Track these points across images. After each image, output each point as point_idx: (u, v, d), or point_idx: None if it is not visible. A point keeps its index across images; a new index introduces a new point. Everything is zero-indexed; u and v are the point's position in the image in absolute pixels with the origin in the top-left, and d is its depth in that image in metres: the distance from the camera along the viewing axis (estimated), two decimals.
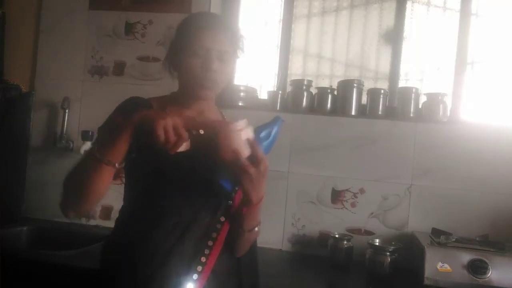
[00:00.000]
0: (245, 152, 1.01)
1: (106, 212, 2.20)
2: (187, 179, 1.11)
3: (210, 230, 1.13)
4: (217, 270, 1.12)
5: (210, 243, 1.12)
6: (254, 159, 1.01)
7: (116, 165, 1.04)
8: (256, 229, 1.16)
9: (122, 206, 1.21)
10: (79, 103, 2.26)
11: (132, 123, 1.01)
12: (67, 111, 2.20)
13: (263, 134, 1.07)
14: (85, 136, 2.11)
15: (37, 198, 2.26)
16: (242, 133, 1.01)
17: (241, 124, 1.01)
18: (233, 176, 1.04)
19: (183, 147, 0.99)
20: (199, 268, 1.09)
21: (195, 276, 1.08)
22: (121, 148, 1.03)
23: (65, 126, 2.21)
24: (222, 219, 1.14)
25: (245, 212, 1.11)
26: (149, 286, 1.05)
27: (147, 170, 1.11)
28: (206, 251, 1.11)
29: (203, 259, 1.10)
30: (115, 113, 1.17)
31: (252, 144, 1.01)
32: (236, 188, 1.12)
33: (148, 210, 1.11)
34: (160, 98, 1.25)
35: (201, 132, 1.18)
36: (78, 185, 1.08)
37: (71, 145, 2.23)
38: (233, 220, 1.15)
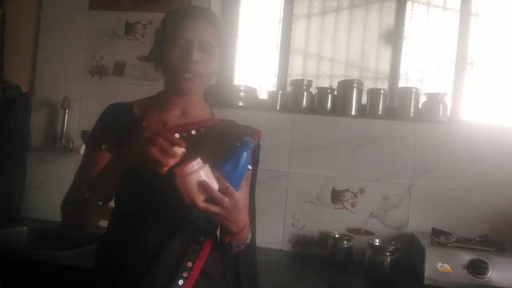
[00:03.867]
0: (199, 196, 0.94)
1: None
2: (171, 184, 1.07)
3: (197, 234, 1.11)
4: (206, 270, 1.10)
5: (196, 247, 1.10)
6: (215, 199, 0.95)
7: (107, 202, 1.07)
8: (247, 240, 1.13)
9: (112, 209, 1.20)
10: (79, 103, 2.26)
11: (118, 167, 1.02)
12: (67, 111, 2.20)
13: (228, 166, 0.99)
14: (85, 136, 2.11)
15: (37, 198, 2.26)
16: (198, 175, 0.94)
17: (193, 165, 0.94)
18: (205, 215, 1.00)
19: (179, 154, 0.95)
20: (185, 273, 1.06)
21: (180, 282, 1.05)
22: (110, 190, 1.06)
23: (65, 126, 2.21)
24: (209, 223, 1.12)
25: (229, 238, 1.09)
26: None
27: (134, 178, 1.09)
28: (192, 256, 1.09)
29: (189, 264, 1.08)
30: (97, 127, 1.19)
31: (204, 187, 0.94)
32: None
33: (135, 214, 1.10)
34: (142, 100, 1.24)
35: (193, 132, 1.16)
36: (72, 215, 1.12)
37: (71, 145, 2.23)
38: (220, 240, 1.12)
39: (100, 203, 1.04)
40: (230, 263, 1.18)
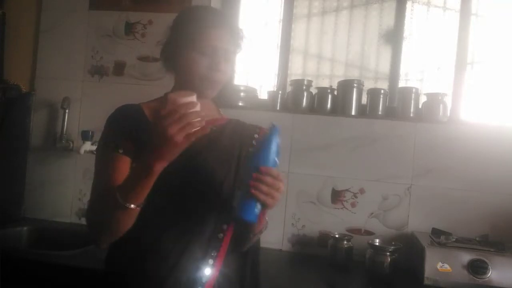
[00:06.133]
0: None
1: None
2: (190, 183, 1.11)
3: (216, 232, 1.12)
4: (225, 272, 1.12)
5: (217, 244, 1.12)
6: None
7: (141, 204, 1.01)
8: (263, 230, 1.17)
9: None
10: (79, 103, 2.26)
11: (159, 166, 0.97)
12: (67, 111, 2.20)
13: (273, 156, 1.02)
14: (85, 136, 2.11)
15: (37, 198, 2.26)
16: None
17: None
18: (262, 207, 1.01)
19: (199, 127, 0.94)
20: (208, 270, 1.09)
21: (203, 279, 1.07)
22: (147, 191, 1.00)
23: (65, 126, 2.21)
24: (228, 219, 1.14)
25: (258, 222, 1.09)
26: None
27: (158, 177, 1.09)
28: (213, 253, 1.11)
29: (210, 261, 1.10)
30: (108, 129, 1.15)
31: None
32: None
33: (156, 216, 1.10)
34: (151, 102, 1.22)
35: (207, 130, 1.17)
36: (102, 224, 1.06)
37: (71, 145, 2.23)
38: (241, 227, 1.13)
39: (133, 206, 0.99)
40: (240, 264, 1.20)
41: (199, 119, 0.93)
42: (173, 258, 1.07)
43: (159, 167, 0.97)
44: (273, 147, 1.02)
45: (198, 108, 0.95)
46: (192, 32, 1.12)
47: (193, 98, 0.96)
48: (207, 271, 1.08)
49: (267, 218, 1.16)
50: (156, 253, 1.08)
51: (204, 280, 1.08)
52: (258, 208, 1.00)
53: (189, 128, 0.92)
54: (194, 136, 0.93)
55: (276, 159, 1.02)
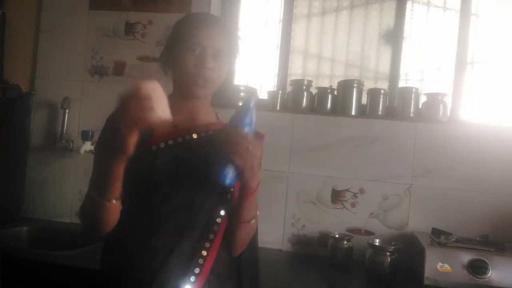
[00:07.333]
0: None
1: None
2: (184, 183, 1.11)
3: (207, 232, 1.13)
4: (217, 270, 1.12)
5: (207, 244, 1.12)
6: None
7: (119, 197, 1.04)
8: (253, 221, 1.16)
9: (120, 210, 1.20)
10: (79, 103, 2.26)
11: (123, 156, 0.98)
12: (67, 111, 2.20)
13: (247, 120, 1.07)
14: (85, 136, 2.11)
15: (37, 198, 2.26)
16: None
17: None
18: (233, 168, 1.03)
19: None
20: (197, 270, 1.09)
21: (192, 278, 1.08)
22: (118, 183, 1.02)
23: (65, 126, 2.21)
24: (219, 220, 1.14)
25: (244, 202, 1.11)
26: None
27: (143, 177, 1.10)
28: (204, 253, 1.11)
29: (200, 261, 1.10)
30: (109, 128, 1.14)
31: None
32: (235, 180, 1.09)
33: (146, 216, 1.11)
34: None
35: (194, 136, 1.17)
36: (89, 221, 1.12)
37: (71, 145, 2.23)
38: (231, 212, 1.15)
39: (114, 201, 1.03)
40: (234, 263, 1.20)
41: (144, 111, 0.95)
42: (163, 256, 1.07)
43: (115, 158, 0.98)
44: (248, 117, 1.05)
45: (149, 96, 0.97)
46: (183, 33, 1.16)
47: (147, 87, 0.98)
48: (197, 270, 1.09)
49: (258, 212, 1.17)
50: (146, 250, 1.08)
51: (193, 279, 1.08)
52: (228, 169, 1.03)
53: (129, 121, 0.95)
54: (136, 128, 0.95)
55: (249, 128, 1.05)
